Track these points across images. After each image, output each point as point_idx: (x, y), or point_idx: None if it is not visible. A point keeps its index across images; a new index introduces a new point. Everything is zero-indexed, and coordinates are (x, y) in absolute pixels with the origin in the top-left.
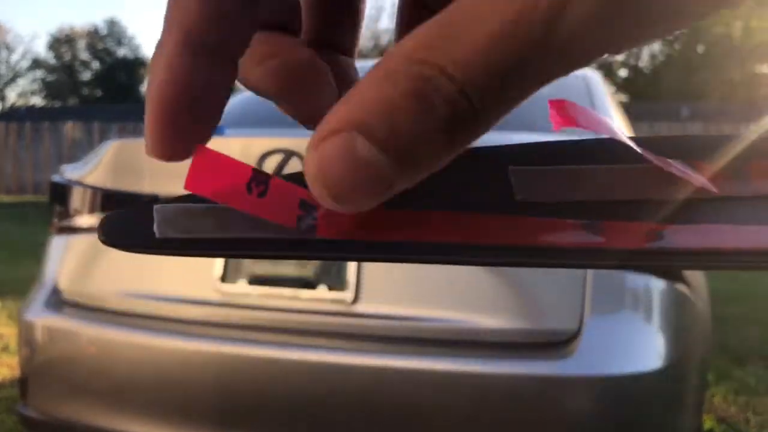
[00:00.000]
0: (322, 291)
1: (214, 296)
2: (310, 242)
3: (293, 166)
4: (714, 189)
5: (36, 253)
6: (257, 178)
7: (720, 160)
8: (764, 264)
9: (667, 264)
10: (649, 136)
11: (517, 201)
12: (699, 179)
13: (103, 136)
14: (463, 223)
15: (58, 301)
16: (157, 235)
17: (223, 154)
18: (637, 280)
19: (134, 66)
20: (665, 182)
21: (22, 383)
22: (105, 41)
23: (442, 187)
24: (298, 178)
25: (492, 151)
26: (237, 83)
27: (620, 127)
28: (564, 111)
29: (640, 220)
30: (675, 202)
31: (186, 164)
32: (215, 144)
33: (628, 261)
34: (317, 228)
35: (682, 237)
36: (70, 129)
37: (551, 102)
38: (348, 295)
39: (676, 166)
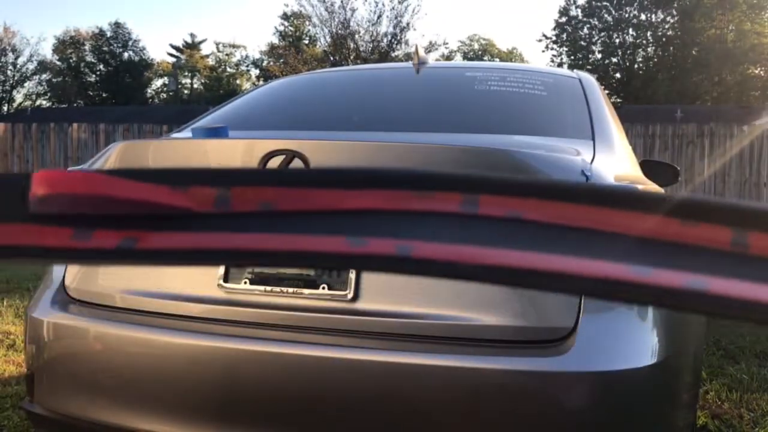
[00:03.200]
0: (322, 289)
1: (217, 294)
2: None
3: (296, 167)
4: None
5: None
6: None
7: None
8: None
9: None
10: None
11: None
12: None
13: (109, 137)
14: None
15: (64, 299)
16: None
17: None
18: None
19: (139, 68)
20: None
21: (29, 380)
22: (110, 44)
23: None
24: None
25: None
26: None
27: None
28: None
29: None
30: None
31: (191, 165)
32: (220, 146)
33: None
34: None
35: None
36: (76, 130)
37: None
38: (348, 293)
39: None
